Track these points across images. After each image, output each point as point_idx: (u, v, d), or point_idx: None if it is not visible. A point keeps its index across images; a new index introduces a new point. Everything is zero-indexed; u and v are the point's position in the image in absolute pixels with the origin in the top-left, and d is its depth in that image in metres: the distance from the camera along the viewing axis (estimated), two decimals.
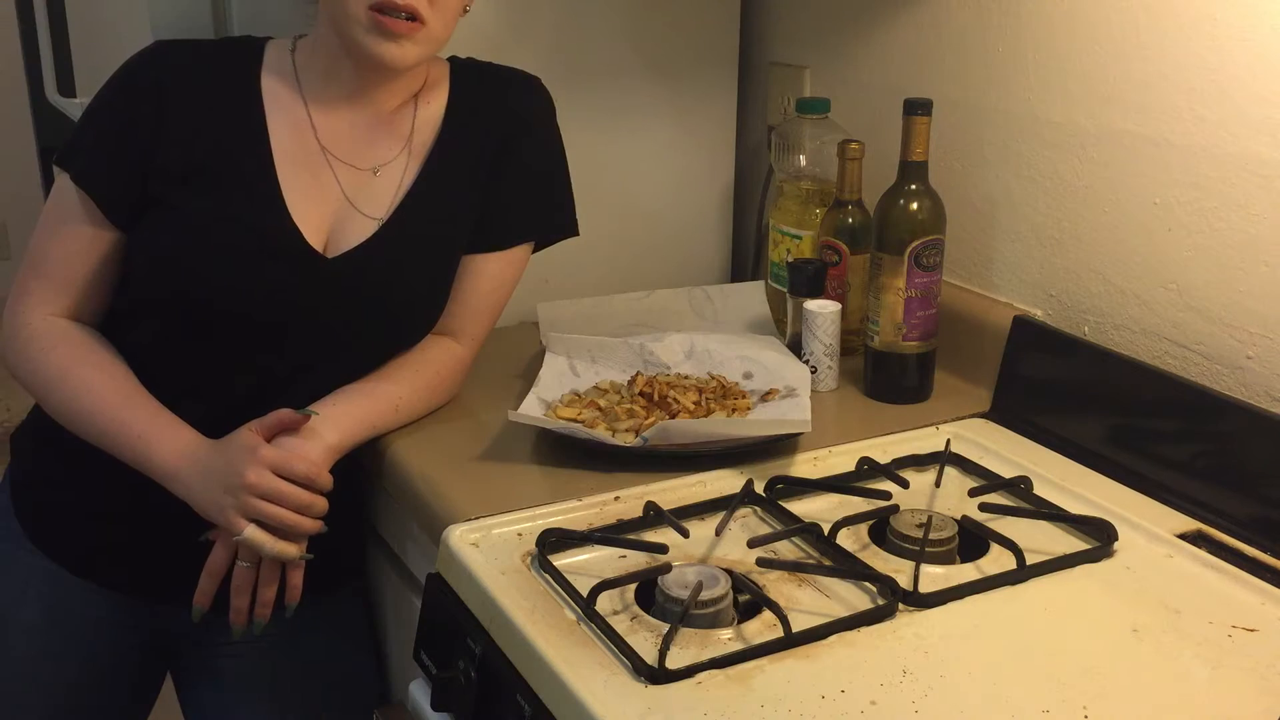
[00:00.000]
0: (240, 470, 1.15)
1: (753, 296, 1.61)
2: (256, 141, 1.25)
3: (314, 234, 1.25)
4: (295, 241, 1.23)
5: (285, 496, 1.16)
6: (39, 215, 1.26)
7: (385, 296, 1.27)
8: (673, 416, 1.29)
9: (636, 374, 1.39)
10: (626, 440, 1.24)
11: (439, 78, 1.33)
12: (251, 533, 1.16)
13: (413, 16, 1.17)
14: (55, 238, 1.25)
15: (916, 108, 1.34)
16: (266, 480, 1.15)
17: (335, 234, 1.26)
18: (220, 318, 1.23)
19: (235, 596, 1.21)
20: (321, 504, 1.19)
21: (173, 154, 1.22)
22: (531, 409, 1.30)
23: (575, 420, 1.28)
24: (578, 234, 1.41)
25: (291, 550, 1.19)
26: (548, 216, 1.39)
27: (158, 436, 1.20)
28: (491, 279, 1.35)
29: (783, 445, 1.27)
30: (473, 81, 1.34)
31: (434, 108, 1.32)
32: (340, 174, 1.27)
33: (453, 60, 1.36)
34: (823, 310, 1.41)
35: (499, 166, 1.33)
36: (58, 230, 1.25)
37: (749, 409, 1.33)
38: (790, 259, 1.53)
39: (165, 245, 1.23)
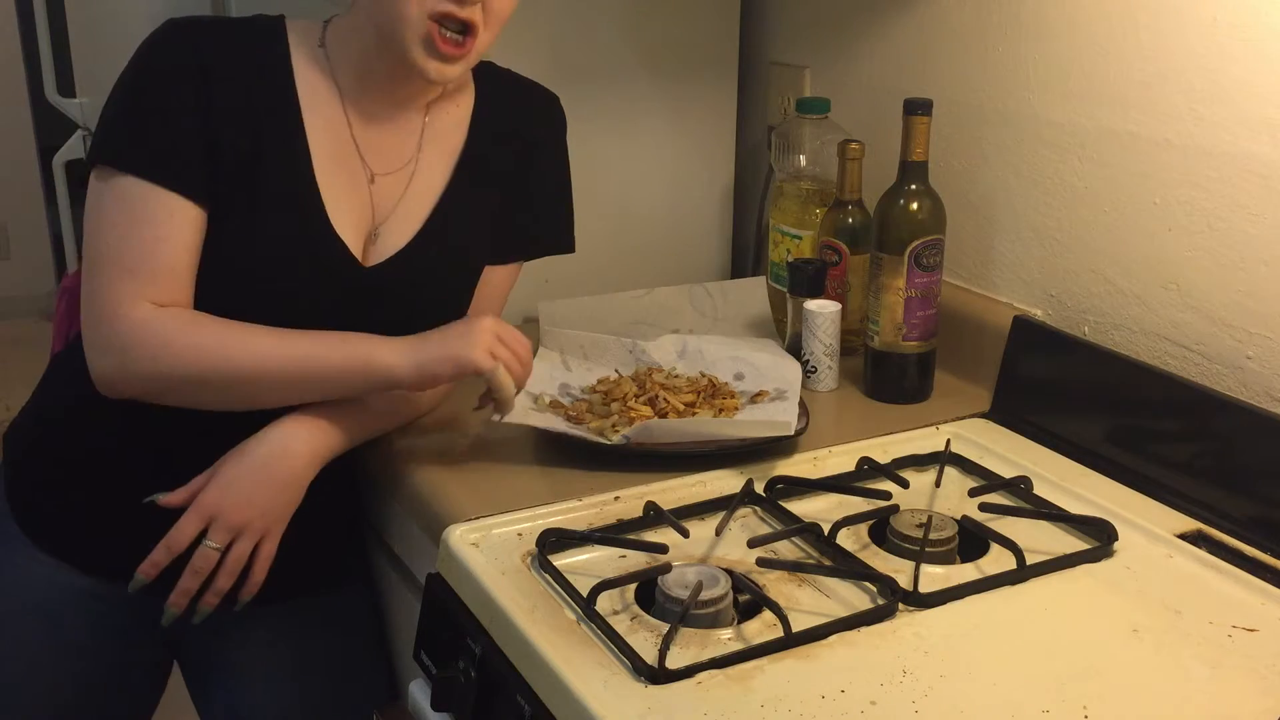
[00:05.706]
0: (477, 331, 1.17)
1: (753, 292, 1.61)
2: (295, 140, 1.20)
3: (352, 241, 1.23)
4: (337, 251, 1.21)
5: (517, 341, 1.20)
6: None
7: (419, 304, 1.26)
8: (662, 416, 1.29)
9: (633, 370, 1.39)
10: (612, 438, 1.24)
11: (465, 77, 1.31)
12: (502, 372, 1.18)
13: (466, 30, 1.14)
14: (133, 233, 1.14)
15: (916, 108, 1.34)
16: (504, 330, 1.18)
17: (371, 240, 1.25)
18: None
19: (189, 577, 1.16)
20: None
21: (219, 147, 1.16)
22: (520, 403, 1.29)
23: (568, 415, 1.28)
24: (574, 250, 1.41)
25: (513, 392, 1.21)
26: (554, 235, 1.40)
27: (372, 345, 1.17)
28: (495, 287, 1.36)
29: (782, 445, 1.27)
30: (498, 89, 1.33)
31: (462, 110, 1.30)
32: (375, 177, 1.25)
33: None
34: (823, 310, 1.41)
35: (518, 182, 1.33)
36: (132, 227, 1.14)
37: (736, 409, 1.33)
38: (790, 259, 1.53)
39: (203, 251, 1.18)
